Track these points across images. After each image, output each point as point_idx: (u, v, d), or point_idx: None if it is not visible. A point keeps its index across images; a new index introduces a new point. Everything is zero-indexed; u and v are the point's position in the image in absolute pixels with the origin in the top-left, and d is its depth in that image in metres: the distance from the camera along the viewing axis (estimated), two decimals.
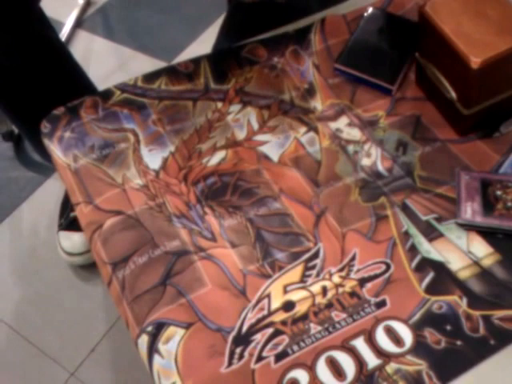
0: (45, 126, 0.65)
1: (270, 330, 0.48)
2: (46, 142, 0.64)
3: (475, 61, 0.54)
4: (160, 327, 0.49)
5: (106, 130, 0.64)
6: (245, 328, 0.48)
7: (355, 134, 0.62)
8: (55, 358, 0.96)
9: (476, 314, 0.48)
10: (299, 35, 0.70)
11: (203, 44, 1.25)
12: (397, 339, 0.47)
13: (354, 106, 0.64)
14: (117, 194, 0.58)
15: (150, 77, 0.68)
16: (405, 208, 0.55)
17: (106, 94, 0.67)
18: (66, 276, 1.02)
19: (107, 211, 0.57)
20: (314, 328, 0.48)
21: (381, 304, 0.49)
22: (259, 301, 0.50)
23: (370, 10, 0.70)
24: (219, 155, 0.61)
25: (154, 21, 1.68)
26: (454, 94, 0.59)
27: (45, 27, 0.81)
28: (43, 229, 1.08)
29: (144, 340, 0.48)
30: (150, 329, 0.49)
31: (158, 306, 0.50)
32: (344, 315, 0.49)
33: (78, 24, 1.73)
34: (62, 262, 1.00)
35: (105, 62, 1.40)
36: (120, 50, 1.62)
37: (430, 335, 0.47)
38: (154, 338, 0.48)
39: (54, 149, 0.63)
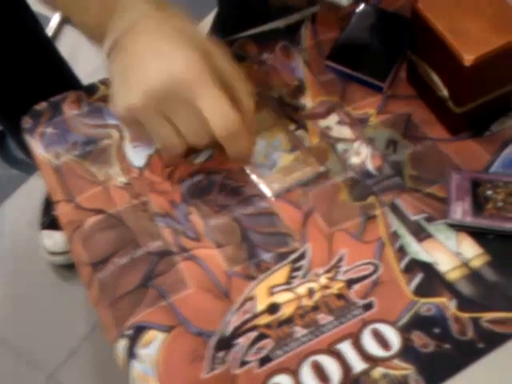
0: (26, 122, 0.63)
1: (254, 334, 0.47)
2: (28, 138, 0.63)
3: (468, 58, 0.53)
4: (139, 331, 0.47)
5: (90, 126, 0.62)
6: (228, 332, 0.47)
7: (345, 132, 0.61)
8: (33, 361, 0.94)
9: (465, 316, 0.47)
10: (290, 30, 0.69)
11: None
12: (384, 343, 0.46)
13: (345, 104, 0.63)
14: (99, 192, 0.57)
15: None
16: (394, 208, 0.54)
17: (91, 89, 0.65)
18: (48, 275, 1.00)
19: (88, 210, 0.56)
20: (300, 331, 0.47)
21: (368, 306, 0.48)
22: (243, 303, 0.49)
23: (362, 6, 0.69)
24: (206, 152, 0.59)
25: None
26: (445, 92, 0.58)
27: (29, 21, 0.79)
28: (25, 227, 1.06)
29: (122, 344, 0.47)
30: (128, 332, 0.47)
31: (138, 308, 0.48)
32: (330, 318, 0.47)
33: (66, 19, 1.71)
34: (43, 261, 0.98)
35: (92, 58, 1.39)
36: None
37: (418, 339, 0.46)
38: (133, 342, 0.47)
39: (36, 145, 0.62)
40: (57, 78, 0.81)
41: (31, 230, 1.01)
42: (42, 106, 0.64)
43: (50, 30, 1.63)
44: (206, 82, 0.47)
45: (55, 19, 1.66)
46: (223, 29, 0.81)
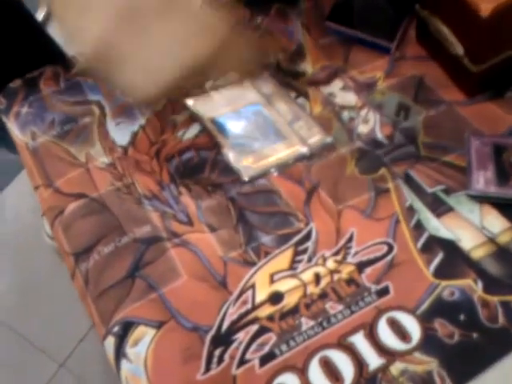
0: (0, 102, 0.58)
1: (254, 328, 0.42)
2: (4, 119, 0.58)
3: (486, 7, 0.47)
4: (128, 327, 0.42)
5: (68, 103, 0.57)
6: (225, 326, 0.42)
7: (350, 98, 0.55)
8: (43, 349, 0.93)
9: (494, 299, 0.42)
10: None
11: None
12: (402, 333, 0.40)
13: (349, 68, 0.57)
14: (79, 174, 0.52)
15: None
16: (408, 179, 0.49)
17: (69, 63, 0.60)
18: (53, 262, 0.97)
19: (69, 194, 0.50)
20: (306, 323, 0.41)
21: (383, 292, 0.43)
22: (242, 293, 0.43)
23: None
24: (196, 127, 0.54)
25: None
26: (460, 49, 0.52)
27: None
28: (28, 213, 1.04)
29: (110, 342, 0.42)
30: (116, 329, 0.42)
31: (125, 302, 0.43)
32: (340, 307, 0.42)
33: (51, 15, 1.68)
34: (46, 246, 0.95)
35: None
36: None
37: (441, 327, 0.41)
38: (121, 339, 0.42)
39: (11, 126, 0.57)
40: (40, 52, 0.76)
41: (33, 216, 0.99)
42: (16, 83, 0.59)
43: (41, 12, 1.60)
44: None
45: (39, 15, 1.62)
46: None
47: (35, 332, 0.94)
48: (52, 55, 0.79)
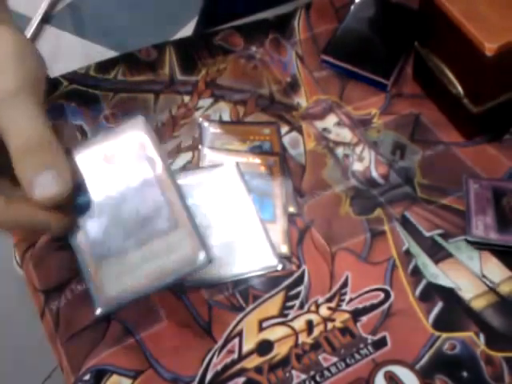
0: None
1: (240, 380, 0.38)
2: None
3: (490, 47, 0.46)
4: (100, 376, 0.38)
5: None
6: (209, 377, 0.38)
7: (345, 134, 0.53)
8: None
9: (498, 355, 0.39)
10: (281, 22, 0.62)
11: None
12: None
13: (344, 103, 0.55)
14: None
15: (105, 65, 0.58)
16: (405, 222, 0.46)
17: (51, 85, 0.57)
18: (22, 292, 0.92)
19: None
20: (297, 376, 0.38)
21: (380, 343, 0.40)
22: (228, 341, 0.40)
23: None
24: (184, 157, 0.51)
25: (127, 18, 1.60)
26: (460, 89, 0.51)
27: None
28: None
29: None
30: (87, 377, 0.38)
31: (98, 347, 0.40)
32: (335, 359, 0.39)
33: (46, 19, 1.67)
34: (18, 275, 0.91)
35: (74, 59, 1.33)
36: (90, 48, 1.56)
37: None
38: None
39: None
40: None
41: (4, 243, 0.95)
42: None
43: (30, 28, 1.58)
44: None
45: (36, 19, 1.60)
46: (209, 20, 0.74)
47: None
48: None
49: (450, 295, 0.42)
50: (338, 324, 0.41)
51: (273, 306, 0.42)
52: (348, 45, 0.58)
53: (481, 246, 0.45)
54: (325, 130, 0.54)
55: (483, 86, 0.49)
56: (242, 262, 0.44)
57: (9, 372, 0.90)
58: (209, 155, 0.52)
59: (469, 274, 0.43)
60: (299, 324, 0.41)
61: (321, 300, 0.42)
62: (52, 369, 0.87)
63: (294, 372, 0.38)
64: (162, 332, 0.40)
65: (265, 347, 0.40)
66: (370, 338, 0.40)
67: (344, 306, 0.42)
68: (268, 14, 0.63)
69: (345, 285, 0.43)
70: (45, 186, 0.30)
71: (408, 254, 0.45)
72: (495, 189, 0.48)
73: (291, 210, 0.48)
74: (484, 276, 0.43)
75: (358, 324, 0.41)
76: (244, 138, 0.53)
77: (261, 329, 0.40)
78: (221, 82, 0.57)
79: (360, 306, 0.42)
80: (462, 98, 0.51)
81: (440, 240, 0.46)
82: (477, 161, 0.51)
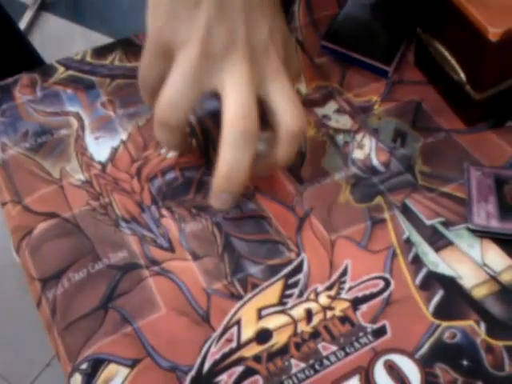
0: None
1: (239, 369, 0.38)
2: None
3: (494, 32, 0.45)
4: (97, 365, 0.38)
5: (44, 114, 0.53)
6: (207, 366, 0.38)
7: (345, 121, 0.52)
8: (6, 376, 0.88)
9: (499, 344, 0.38)
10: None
11: None
12: (401, 379, 0.37)
13: (344, 90, 0.55)
14: (52, 191, 0.47)
15: (102, 51, 0.57)
16: (405, 210, 0.46)
17: (47, 71, 0.56)
18: (21, 282, 0.92)
19: (39, 213, 0.46)
20: (296, 365, 0.38)
21: (380, 332, 0.39)
22: (226, 329, 0.39)
23: None
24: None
25: (125, 4, 1.59)
26: (462, 76, 0.50)
27: None
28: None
29: (77, 381, 0.38)
30: (84, 366, 0.38)
31: (96, 336, 0.39)
32: (334, 347, 0.39)
33: (43, 6, 1.65)
34: (17, 265, 0.91)
35: (71, 47, 1.31)
36: (88, 35, 1.54)
37: (443, 373, 0.37)
38: (90, 378, 0.37)
39: None
40: (15, 55, 0.72)
41: (2, 233, 0.94)
42: None
43: (25, 17, 1.56)
44: None
45: (32, 6, 1.59)
46: None
47: None
48: (30, 62, 0.75)
49: (450, 284, 0.42)
50: (337, 312, 0.40)
51: (272, 294, 0.41)
52: (349, 31, 0.58)
53: (482, 233, 0.45)
54: (325, 116, 0.53)
55: (486, 73, 0.49)
56: None
57: (9, 360, 0.90)
58: None
59: (470, 263, 0.43)
60: (298, 312, 0.40)
61: (320, 288, 0.41)
62: (51, 357, 0.87)
63: (292, 361, 0.38)
64: (160, 321, 0.40)
65: (264, 336, 0.39)
66: (370, 327, 0.39)
67: (343, 295, 0.41)
68: None
69: (344, 273, 0.42)
70: None
71: (408, 242, 0.44)
72: (497, 176, 0.48)
73: None
74: (485, 264, 0.43)
75: (358, 312, 0.40)
76: None
77: (260, 317, 0.40)
78: None
79: (360, 294, 0.41)
80: (464, 85, 0.50)
81: (441, 228, 0.45)
82: (479, 148, 0.50)
